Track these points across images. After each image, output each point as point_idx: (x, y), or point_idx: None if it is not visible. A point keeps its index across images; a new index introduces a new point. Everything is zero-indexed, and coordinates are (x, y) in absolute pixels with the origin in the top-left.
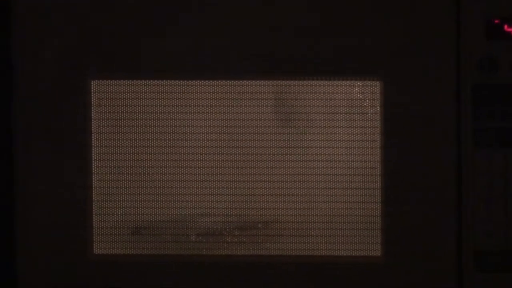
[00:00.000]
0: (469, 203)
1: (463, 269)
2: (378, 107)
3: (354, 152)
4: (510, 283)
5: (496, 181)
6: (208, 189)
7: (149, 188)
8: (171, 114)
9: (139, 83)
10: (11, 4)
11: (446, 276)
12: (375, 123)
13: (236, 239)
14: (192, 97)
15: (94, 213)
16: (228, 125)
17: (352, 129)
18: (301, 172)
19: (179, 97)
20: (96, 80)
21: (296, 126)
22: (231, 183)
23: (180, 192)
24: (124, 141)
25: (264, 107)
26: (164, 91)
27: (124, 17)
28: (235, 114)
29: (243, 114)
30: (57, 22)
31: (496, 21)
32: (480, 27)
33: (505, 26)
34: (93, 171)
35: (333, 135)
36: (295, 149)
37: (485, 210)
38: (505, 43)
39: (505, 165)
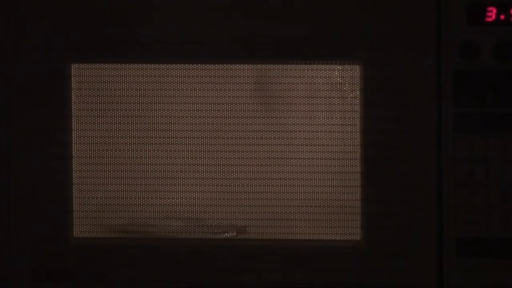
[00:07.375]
0: (450, 189)
1: (443, 255)
2: (357, 91)
3: (334, 136)
4: (490, 269)
5: (477, 166)
6: (189, 172)
7: (130, 172)
8: (151, 98)
9: (119, 67)
10: None
11: (427, 262)
12: (355, 107)
13: (218, 223)
14: (172, 81)
15: (74, 196)
16: (209, 109)
17: (332, 113)
18: (281, 156)
19: (160, 81)
20: (77, 64)
21: (277, 110)
22: (211, 166)
23: (162, 176)
24: (105, 124)
25: (245, 91)
26: (145, 75)
27: (105, 0)
28: (215, 98)
29: (224, 98)
30: (38, 5)
31: (477, 6)
32: (462, 12)
33: (486, 11)
34: (74, 155)
35: (313, 119)
36: (275, 133)
37: (466, 196)
38: (486, 28)
39: (486, 150)
